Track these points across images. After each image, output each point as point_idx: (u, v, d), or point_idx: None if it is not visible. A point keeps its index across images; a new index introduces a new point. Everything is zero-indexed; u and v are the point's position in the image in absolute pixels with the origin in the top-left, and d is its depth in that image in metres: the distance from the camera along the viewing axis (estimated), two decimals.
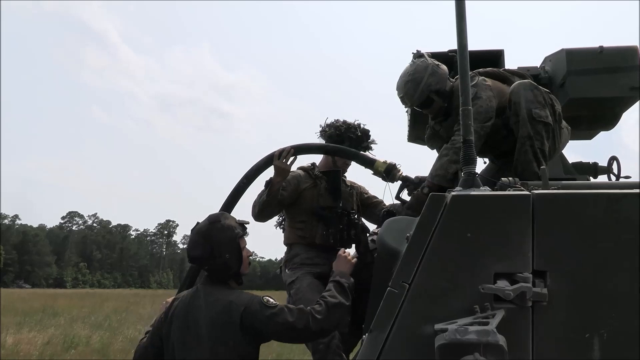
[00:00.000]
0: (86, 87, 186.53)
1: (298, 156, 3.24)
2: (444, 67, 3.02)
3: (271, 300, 2.35)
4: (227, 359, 2.24)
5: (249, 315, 2.27)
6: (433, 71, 2.93)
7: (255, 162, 3.20)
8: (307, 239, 3.37)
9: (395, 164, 3.04)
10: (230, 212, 2.90)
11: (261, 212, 3.27)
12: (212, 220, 2.48)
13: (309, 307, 2.34)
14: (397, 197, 3.01)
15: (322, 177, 3.51)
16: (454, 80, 3.01)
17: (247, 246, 2.53)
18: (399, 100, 3.13)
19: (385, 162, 3.06)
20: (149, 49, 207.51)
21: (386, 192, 3.27)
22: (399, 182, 3.06)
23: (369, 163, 3.12)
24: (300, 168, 3.57)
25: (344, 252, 2.72)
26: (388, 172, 3.01)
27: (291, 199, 3.41)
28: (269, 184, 3.21)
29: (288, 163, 3.17)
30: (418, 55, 3.06)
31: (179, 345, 2.32)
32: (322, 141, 3.57)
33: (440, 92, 2.95)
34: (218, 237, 2.39)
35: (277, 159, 3.13)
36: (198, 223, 2.51)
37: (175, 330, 2.36)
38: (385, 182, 3.13)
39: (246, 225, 2.59)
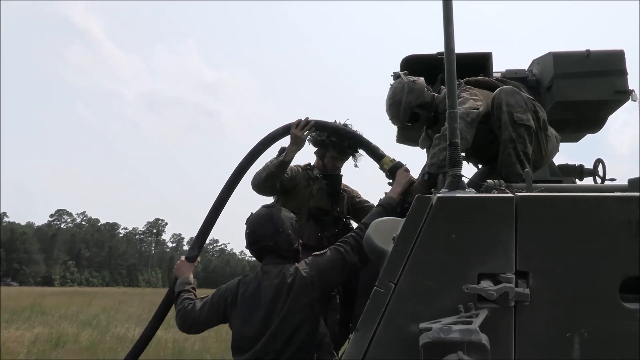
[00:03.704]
0: (71, 86, 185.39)
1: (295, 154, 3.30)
2: (420, 80, 3.11)
3: (319, 252, 2.68)
4: (302, 318, 2.49)
5: (314, 267, 2.58)
6: (410, 89, 3.04)
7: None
8: None
9: (402, 165, 3.06)
10: (243, 176, 3.21)
11: (265, 180, 3.29)
12: (268, 206, 2.84)
13: (350, 237, 2.68)
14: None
15: (319, 179, 3.55)
16: (431, 89, 3.13)
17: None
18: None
19: (392, 161, 3.08)
20: (134, 47, 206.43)
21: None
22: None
23: (378, 157, 3.15)
24: (296, 166, 3.61)
25: (404, 169, 3.02)
26: (392, 171, 3.03)
27: (289, 184, 3.47)
28: (282, 151, 3.26)
29: (305, 134, 3.21)
30: (396, 76, 3.17)
31: (253, 321, 2.53)
32: (312, 147, 3.62)
33: (423, 105, 3.05)
34: (279, 216, 2.73)
35: (295, 127, 3.18)
36: (252, 214, 2.81)
37: (247, 310, 2.58)
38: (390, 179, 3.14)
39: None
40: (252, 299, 2.57)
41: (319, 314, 2.60)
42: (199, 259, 3.17)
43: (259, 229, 2.70)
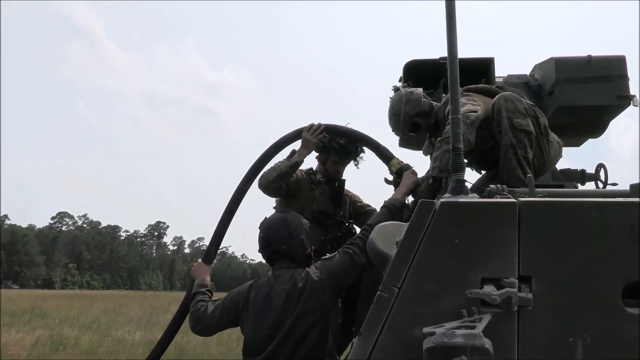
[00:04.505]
0: (71, 85, 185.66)
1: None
2: (418, 90, 3.18)
3: (327, 255, 2.71)
4: (313, 321, 2.51)
5: (324, 270, 2.60)
6: (407, 99, 3.12)
7: (253, 162, 3.33)
8: None
9: (410, 167, 3.09)
10: (256, 176, 3.29)
11: (275, 180, 3.35)
12: (283, 211, 2.87)
13: (357, 239, 2.72)
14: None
15: (322, 183, 3.59)
16: (430, 98, 3.20)
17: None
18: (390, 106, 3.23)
19: (400, 163, 3.10)
20: (134, 46, 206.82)
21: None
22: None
23: (386, 159, 3.18)
24: (299, 170, 3.64)
25: (411, 172, 3.03)
26: (399, 173, 3.06)
27: (293, 187, 3.54)
28: (293, 153, 3.33)
29: (316, 138, 3.30)
30: (395, 89, 3.27)
31: (264, 325, 2.54)
32: (313, 152, 3.65)
33: (421, 113, 3.12)
34: (293, 221, 2.75)
35: (306, 131, 3.27)
36: (266, 218, 2.85)
37: (258, 314, 2.59)
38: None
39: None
40: (264, 303, 2.58)
41: (329, 317, 2.61)
42: (215, 261, 3.22)
43: (272, 232, 2.71)
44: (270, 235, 2.71)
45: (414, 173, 3.02)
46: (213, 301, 2.84)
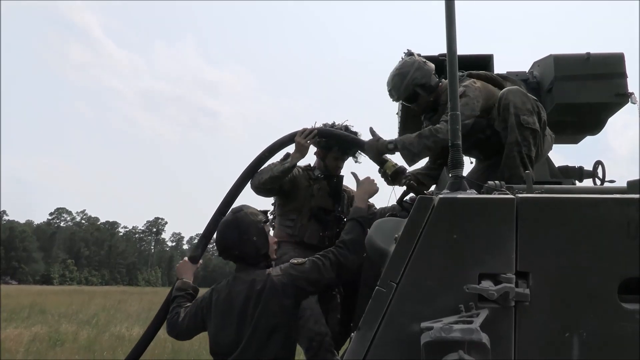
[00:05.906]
0: (70, 84, 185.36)
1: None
2: (431, 64, 3.15)
3: (299, 259, 2.59)
4: (274, 324, 2.43)
5: (287, 276, 2.50)
6: (419, 66, 3.09)
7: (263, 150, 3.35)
8: (295, 237, 3.43)
9: (404, 169, 3.07)
10: (249, 180, 3.27)
11: (266, 182, 3.31)
12: (235, 210, 2.73)
13: (330, 253, 2.60)
14: (399, 201, 3.03)
15: (320, 179, 3.59)
16: (441, 78, 3.15)
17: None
18: (389, 97, 3.23)
19: (394, 165, 3.09)
20: (133, 45, 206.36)
21: (391, 196, 3.28)
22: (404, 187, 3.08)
23: (380, 162, 3.17)
24: (296, 167, 3.64)
25: (368, 179, 2.95)
26: (394, 176, 3.05)
27: (288, 186, 3.50)
28: (287, 156, 3.32)
29: (309, 142, 3.29)
30: (408, 54, 3.22)
31: (226, 328, 2.51)
32: (312, 148, 3.65)
33: (426, 86, 3.09)
34: (244, 222, 2.63)
35: (299, 136, 3.26)
36: (222, 220, 2.75)
37: (220, 317, 2.55)
38: (390, 186, 3.14)
39: (268, 213, 2.82)
40: (224, 306, 2.55)
41: (294, 322, 2.55)
42: (201, 261, 3.17)
43: (224, 238, 2.66)
44: (222, 242, 2.65)
45: (408, 176, 3.00)
46: (185, 307, 2.79)
